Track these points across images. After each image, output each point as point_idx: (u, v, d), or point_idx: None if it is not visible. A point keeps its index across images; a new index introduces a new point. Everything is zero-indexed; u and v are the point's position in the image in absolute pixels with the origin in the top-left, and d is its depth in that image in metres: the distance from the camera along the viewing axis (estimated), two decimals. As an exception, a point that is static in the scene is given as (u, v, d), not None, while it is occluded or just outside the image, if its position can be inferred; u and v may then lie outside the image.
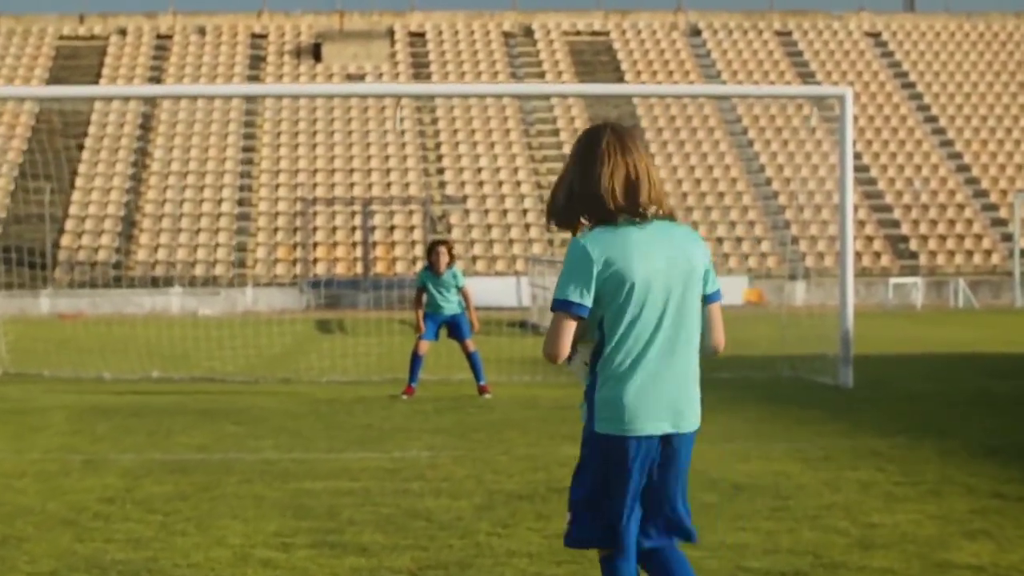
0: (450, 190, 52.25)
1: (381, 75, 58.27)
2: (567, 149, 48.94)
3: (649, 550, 5.55)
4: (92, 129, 54.14)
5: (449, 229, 49.91)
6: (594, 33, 62.55)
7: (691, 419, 5.42)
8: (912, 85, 60.06)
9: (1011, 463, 11.82)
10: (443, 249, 17.78)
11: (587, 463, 5.43)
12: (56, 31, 60.52)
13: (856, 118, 52.70)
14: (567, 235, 5.57)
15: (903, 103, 58.62)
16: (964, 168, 55.40)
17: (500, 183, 52.39)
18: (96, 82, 55.74)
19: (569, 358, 5.39)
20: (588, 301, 5.28)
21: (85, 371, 21.79)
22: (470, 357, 17.84)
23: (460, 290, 17.72)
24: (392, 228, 50.29)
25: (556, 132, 55.24)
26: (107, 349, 25.27)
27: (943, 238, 51.39)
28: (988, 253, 50.84)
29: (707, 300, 5.47)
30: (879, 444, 12.89)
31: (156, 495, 10.38)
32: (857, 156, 52.76)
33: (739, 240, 50.28)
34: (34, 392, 18.81)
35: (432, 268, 17.66)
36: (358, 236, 49.86)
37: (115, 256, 48.36)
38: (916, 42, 62.87)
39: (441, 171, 53.36)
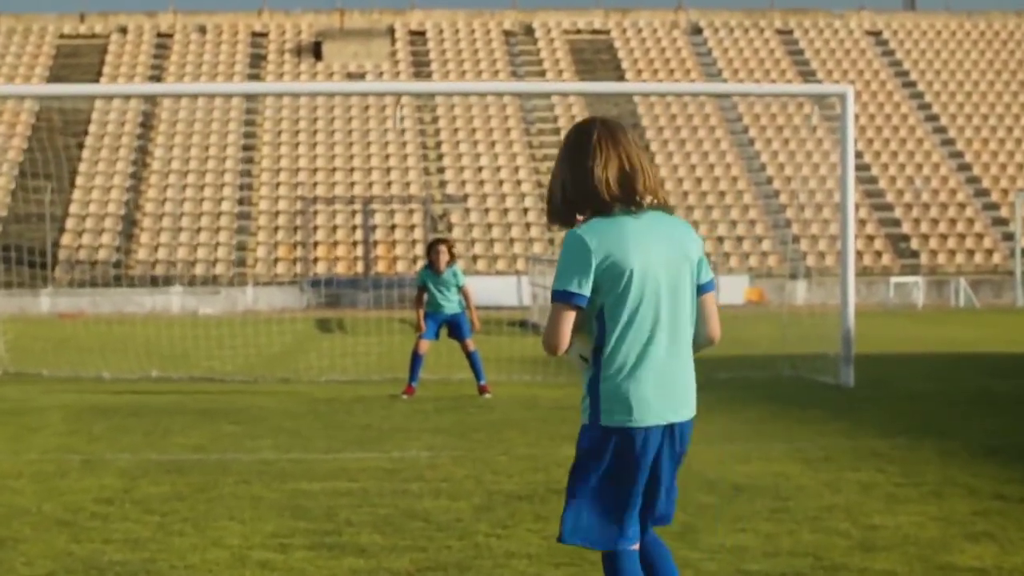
0: (451, 189, 52.22)
1: (381, 74, 58.24)
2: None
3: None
4: (92, 128, 54.11)
5: (450, 228, 49.88)
6: (595, 31, 62.52)
7: (691, 406, 5.46)
8: (913, 84, 60.03)
9: (1012, 464, 11.77)
10: (443, 248, 17.74)
11: (589, 458, 5.39)
12: (56, 30, 60.49)
13: (857, 117, 52.67)
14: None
15: (904, 102, 58.59)
16: (965, 167, 55.37)
17: (501, 182, 52.36)
18: (97, 81, 55.72)
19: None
20: (587, 291, 5.30)
21: (84, 371, 21.75)
22: (470, 357, 17.80)
23: (460, 289, 17.68)
24: (393, 227, 50.26)
25: (557, 131, 55.17)
26: (107, 348, 25.23)
27: (944, 237, 51.35)
28: (989, 252, 50.80)
29: (701, 290, 5.50)
30: (880, 444, 12.84)
31: (153, 496, 10.33)
32: (858, 155, 52.75)
33: (740, 239, 50.24)
34: (32, 392, 18.77)
35: (432, 267, 17.62)
36: (359, 235, 49.83)
37: (115, 255, 48.33)
38: (917, 41, 62.84)
39: (442, 170, 53.33)
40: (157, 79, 57.19)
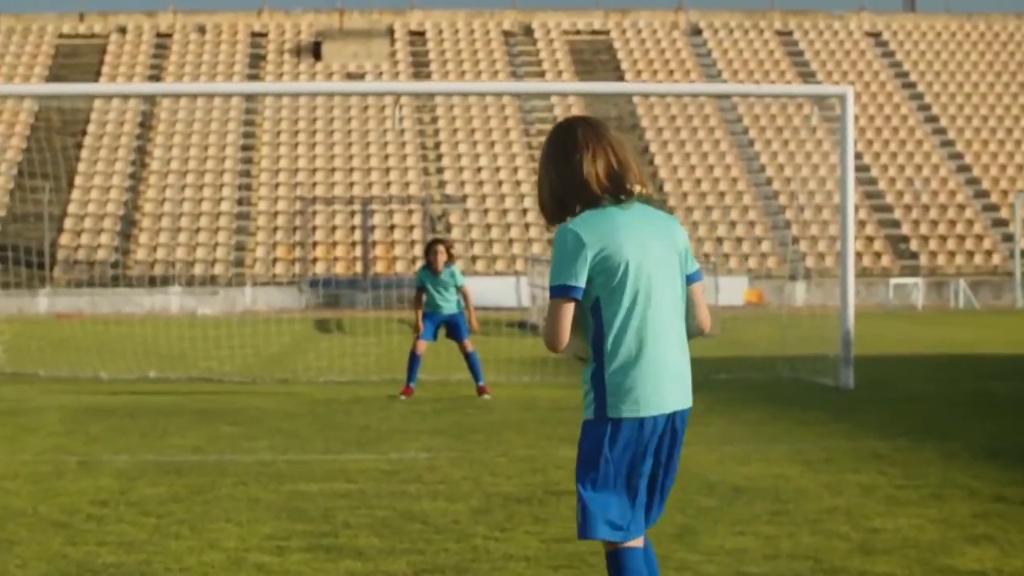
0: (450, 189, 52.19)
1: (381, 74, 58.21)
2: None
3: None
4: (91, 128, 54.07)
5: (449, 228, 49.84)
6: (594, 32, 62.49)
7: (690, 394, 5.53)
8: (913, 85, 60.00)
9: (1013, 466, 11.73)
10: (441, 248, 17.70)
11: (598, 451, 5.38)
12: (56, 29, 60.45)
13: (856, 118, 52.62)
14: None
15: (904, 103, 58.56)
16: (965, 168, 55.34)
17: (500, 183, 52.32)
18: (96, 80, 55.68)
19: None
20: (583, 284, 5.35)
21: (82, 371, 21.71)
22: (468, 357, 17.76)
23: (459, 289, 17.64)
24: (392, 227, 50.22)
25: (556, 131, 55.07)
26: (104, 349, 25.18)
27: (944, 238, 51.33)
28: (989, 254, 50.78)
29: (688, 280, 5.56)
30: (880, 446, 12.80)
31: (150, 497, 10.28)
32: (858, 156, 52.69)
33: (739, 240, 50.21)
34: (29, 392, 18.73)
35: (430, 267, 17.59)
36: (357, 235, 49.79)
37: (114, 255, 48.29)
38: (917, 42, 62.82)
39: (441, 170, 53.30)
40: (156, 79, 57.16)
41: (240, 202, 51.25)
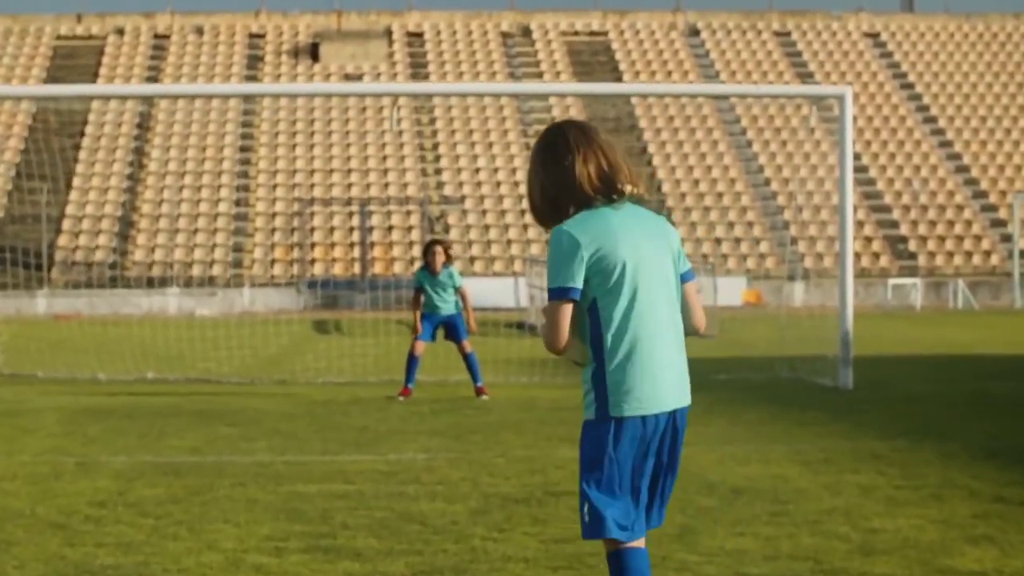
0: (448, 190, 52.17)
1: (379, 75, 58.19)
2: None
3: None
4: (89, 129, 54.04)
5: (447, 229, 49.82)
6: (592, 33, 62.47)
7: (689, 392, 5.55)
8: (911, 86, 60.00)
9: (1012, 466, 11.72)
10: (439, 248, 17.69)
11: (600, 451, 5.38)
12: (53, 31, 60.42)
13: (855, 118, 52.53)
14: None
15: (902, 104, 58.56)
16: (963, 169, 55.34)
17: (498, 183, 52.31)
18: (93, 81, 55.62)
19: None
20: (580, 284, 5.37)
21: (80, 372, 21.69)
22: (467, 358, 17.74)
23: (457, 290, 17.63)
24: (390, 228, 50.20)
25: (554, 132, 55.06)
26: (103, 350, 25.17)
27: (942, 239, 51.32)
28: (987, 254, 50.77)
29: (682, 280, 5.59)
30: (879, 447, 12.78)
31: (148, 498, 10.26)
32: (856, 157, 52.65)
33: (738, 241, 50.19)
34: (28, 393, 18.71)
35: (428, 268, 17.57)
36: (356, 236, 49.76)
37: (112, 256, 48.26)
38: (915, 43, 62.81)
39: (439, 171, 53.28)
40: (154, 80, 57.11)
41: (238, 203, 51.22)
